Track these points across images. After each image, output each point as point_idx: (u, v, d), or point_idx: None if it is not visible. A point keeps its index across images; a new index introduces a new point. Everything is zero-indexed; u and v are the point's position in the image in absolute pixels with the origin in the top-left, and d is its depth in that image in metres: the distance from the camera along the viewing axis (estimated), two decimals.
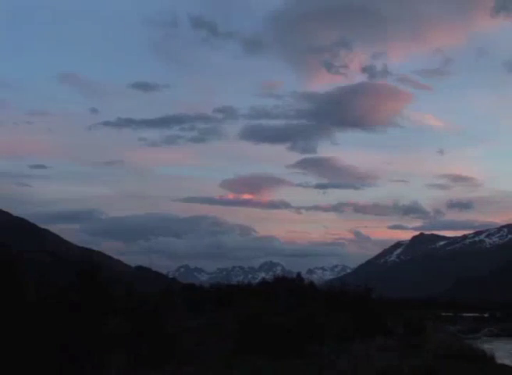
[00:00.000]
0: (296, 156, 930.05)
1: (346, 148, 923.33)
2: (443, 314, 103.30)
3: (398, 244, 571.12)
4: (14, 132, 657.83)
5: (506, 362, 26.86)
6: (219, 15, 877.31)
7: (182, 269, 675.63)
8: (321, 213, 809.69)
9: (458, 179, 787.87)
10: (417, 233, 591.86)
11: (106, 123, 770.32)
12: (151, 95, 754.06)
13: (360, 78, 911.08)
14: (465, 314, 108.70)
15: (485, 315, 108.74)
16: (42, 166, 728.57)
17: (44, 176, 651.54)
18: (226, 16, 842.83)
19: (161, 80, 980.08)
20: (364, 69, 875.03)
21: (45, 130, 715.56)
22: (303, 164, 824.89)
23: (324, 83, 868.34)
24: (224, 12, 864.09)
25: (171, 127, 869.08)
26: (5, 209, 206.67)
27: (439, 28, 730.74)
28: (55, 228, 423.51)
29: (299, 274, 79.80)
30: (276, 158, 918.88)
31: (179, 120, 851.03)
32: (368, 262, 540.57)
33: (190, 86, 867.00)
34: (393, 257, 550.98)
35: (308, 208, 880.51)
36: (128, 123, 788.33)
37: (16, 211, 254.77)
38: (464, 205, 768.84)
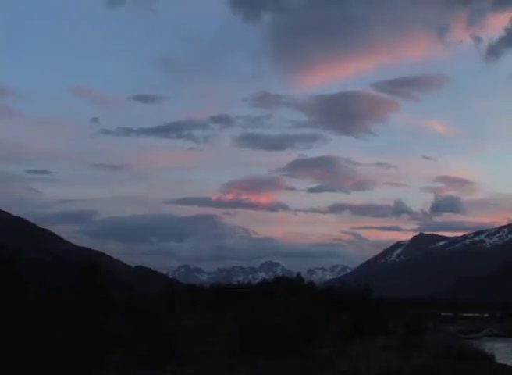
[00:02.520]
0: (293, 160, 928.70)
1: (342, 152, 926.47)
2: (443, 314, 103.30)
3: (398, 245, 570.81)
4: (19, 137, 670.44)
5: (507, 362, 26.85)
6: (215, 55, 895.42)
7: (182, 270, 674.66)
8: (319, 215, 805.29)
9: (455, 181, 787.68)
10: (416, 233, 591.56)
11: (106, 132, 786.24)
12: (149, 106, 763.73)
13: (353, 85, 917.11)
14: (465, 314, 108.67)
15: (485, 315, 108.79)
16: (45, 171, 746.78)
17: (46, 179, 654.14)
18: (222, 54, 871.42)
19: (160, 92, 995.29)
20: (358, 76, 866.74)
21: (49, 137, 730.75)
22: (299, 168, 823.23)
23: (318, 91, 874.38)
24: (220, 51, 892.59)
25: (169, 135, 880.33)
26: (5, 209, 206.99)
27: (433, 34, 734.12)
28: (55, 229, 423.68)
29: (299, 274, 79.72)
30: (273, 162, 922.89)
31: (176, 128, 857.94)
32: (368, 263, 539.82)
33: (186, 96, 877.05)
34: (393, 257, 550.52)
35: (306, 211, 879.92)
36: (127, 131, 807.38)
37: (16, 211, 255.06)
38: (460, 208, 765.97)
